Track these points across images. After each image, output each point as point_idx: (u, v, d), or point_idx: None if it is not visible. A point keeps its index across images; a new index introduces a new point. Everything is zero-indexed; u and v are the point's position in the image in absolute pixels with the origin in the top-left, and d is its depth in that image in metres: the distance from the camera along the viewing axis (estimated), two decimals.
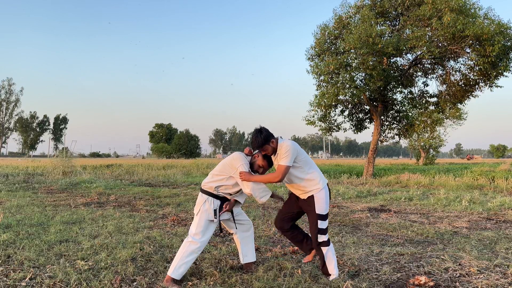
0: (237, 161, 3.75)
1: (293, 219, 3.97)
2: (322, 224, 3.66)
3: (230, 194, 3.85)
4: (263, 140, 3.62)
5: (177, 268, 3.62)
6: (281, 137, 3.78)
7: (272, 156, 3.80)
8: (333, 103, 18.01)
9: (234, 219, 3.98)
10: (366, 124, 20.69)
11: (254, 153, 3.88)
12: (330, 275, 3.73)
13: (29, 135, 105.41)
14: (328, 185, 3.84)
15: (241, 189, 3.81)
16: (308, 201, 3.73)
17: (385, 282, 3.82)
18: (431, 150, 46.73)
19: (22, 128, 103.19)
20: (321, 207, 3.66)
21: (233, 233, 4.15)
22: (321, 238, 3.68)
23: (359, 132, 20.77)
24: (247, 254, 4.09)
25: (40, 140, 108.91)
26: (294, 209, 3.92)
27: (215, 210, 3.75)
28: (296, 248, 4.91)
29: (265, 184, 3.75)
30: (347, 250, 4.99)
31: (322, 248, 3.69)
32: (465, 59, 17.33)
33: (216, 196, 3.80)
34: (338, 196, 11.18)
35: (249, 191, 3.66)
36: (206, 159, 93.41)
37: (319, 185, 3.70)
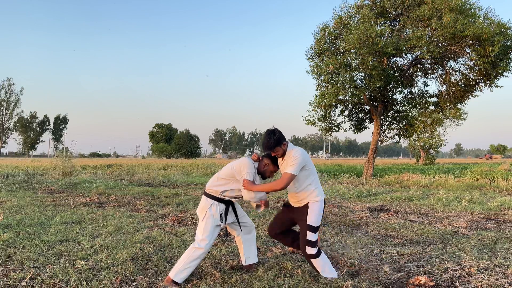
0: (244, 167, 3.73)
1: (285, 226, 4.02)
2: (311, 236, 3.64)
3: (235, 198, 3.85)
4: (275, 142, 3.60)
5: (180, 271, 3.62)
6: (290, 142, 3.78)
7: (279, 159, 3.81)
8: (333, 103, 18.01)
9: (239, 222, 3.98)
10: (366, 124, 20.68)
11: (262, 158, 3.88)
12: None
13: (29, 135, 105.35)
14: (324, 200, 3.85)
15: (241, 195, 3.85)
16: (302, 209, 3.74)
17: (385, 282, 3.81)
18: (431, 150, 46.73)
19: (22, 128, 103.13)
20: (313, 219, 3.65)
21: (234, 235, 4.16)
22: (310, 250, 3.64)
23: (359, 132, 20.77)
24: (249, 256, 4.09)
25: (40, 140, 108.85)
26: (286, 218, 3.98)
27: (221, 215, 3.75)
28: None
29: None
30: (347, 250, 4.99)
31: (312, 260, 3.68)
32: (465, 59, 17.33)
33: (221, 200, 3.79)
34: (338, 196, 11.18)
35: (249, 198, 3.70)
36: (206, 159, 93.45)
37: (316, 198, 3.72)
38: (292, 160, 3.60)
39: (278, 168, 3.87)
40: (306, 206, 3.71)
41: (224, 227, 3.84)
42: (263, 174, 3.89)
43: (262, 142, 3.72)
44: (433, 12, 15.50)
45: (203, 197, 3.86)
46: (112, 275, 3.83)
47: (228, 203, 3.83)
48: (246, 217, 4.12)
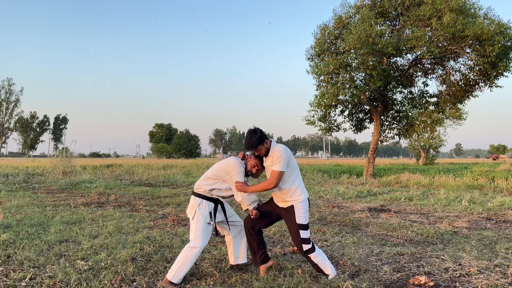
0: (233, 168, 3.76)
1: (266, 221, 3.99)
2: (304, 234, 3.70)
3: (223, 197, 3.87)
4: (257, 141, 3.64)
5: (177, 272, 3.63)
6: (272, 140, 3.80)
7: (263, 158, 3.82)
8: (333, 103, 18.01)
9: (227, 221, 3.99)
10: (366, 124, 20.68)
11: (247, 156, 3.92)
12: (328, 275, 3.75)
13: (29, 135, 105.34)
14: (308, 199, 3.87)
15: (232, 194, 3.88)
16: (288, 210, 3.77)
17: (385, 282, 3.81)
18: (431, 150, 46.74)
19: (22, 128, 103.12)
20: (301, 217, 3.70)
21: (224, 235, 4.16)
22: (306, 247, 3.71)
23: (359, 132, 20.77)
24: (238, 256, 4.10)
25: (40, 140, 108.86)
26: (271, 212, 3.95)
27: (210, 213, 3.76)
28: (296, 248, 4.91)
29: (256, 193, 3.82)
30: (347, 250, 4.99)
31: (310, 255, 3.72)
32: (465, 59, 17.33)
33: (209, 199, 3.80)
34: (338, 196, 11.18)
35: (241, 199, 3.76)
36: (206, 159, 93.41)
37: (300, 197, 3.74)
38: (277, 158, 3.63)
39: (261, 161, 3.87)
40: (291, 208, 3.73)
41: (214, 225, 3.86)
42: (250, 172, 3.90)
43: (244, 142, 3.76)
44: (433, 12, 15.49)
45: (192, 196, 3.88)
46: (112, 275, 3.83)
47: (217, 202, 3.86)
48: (236, 217, 4.13)
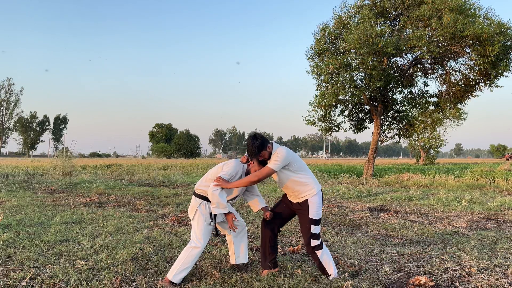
0: (226, 167, 3.75)
1: (283, 221, 4.02)
2: (315, 229, 3.70)
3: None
4: (259, 146, 3.62)
5: (178, 273, 3.63)
6: (274, 142, 3.80)
7: (268, 161, 3.83)
8: (333, 103, 18.00)
9: None
10: (366, 124, 20.68)
11: (250, 160, 3.89)
12: (329, 275, 3.75)
13: (29, 135, 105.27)
14: (321, 190, 3.87)
15: (235, 196, 3.87)
16: (302, 204, 3.77)
17: (385, 282, 3.81)
18: (431, 150, 46.74)
19: (22, 128, 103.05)
20: (314, 212, 3.70)
21: (225, 235, 4.17)
22: (314, 242, 3.71)
23: (359, 132, 20.77)
24: (239, 255, 4.10)
25: (40, 140, 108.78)
26: (284, 210, 3.96)
27: (210, 214, 3.76)
28: (296, 248, 4.92)
29: (227, 202, 3.68)
30: (347, 250, 4.99)
31: (316, 252, 3.73)
32: (465, 59, 17.33)
33: (209, 200, 3.80)
34: (338, 196, 11.18)
35: (210, 195, 3.60)
36: (206, 159, 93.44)
37: (313, 190, 3.73)
38: (275, 157, 3.64)
39: (264, 165, 3.86)
40: (305, 203, 3.73)
41: (214, 226, 3.86)
42: (248, 173, 3.86)
43: (247, 150, 3.72)
44: (433, 12, 15.49)
45: (193, 197, 3.90)
46: (112, 275, 3.83)
47: None
48: (237, 216, 4.13)
